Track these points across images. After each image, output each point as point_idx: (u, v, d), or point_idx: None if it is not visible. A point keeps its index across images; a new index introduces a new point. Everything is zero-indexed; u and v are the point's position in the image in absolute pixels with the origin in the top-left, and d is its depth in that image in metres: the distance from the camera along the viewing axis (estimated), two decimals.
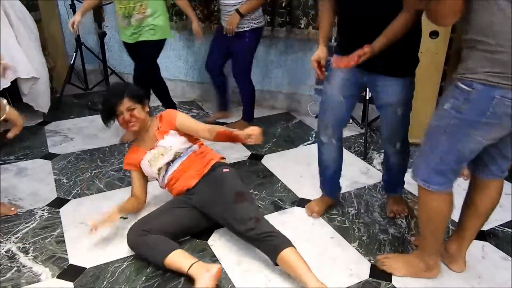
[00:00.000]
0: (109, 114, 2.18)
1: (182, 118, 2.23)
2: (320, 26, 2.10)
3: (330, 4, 2.03)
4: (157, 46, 3.02)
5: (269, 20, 3.41)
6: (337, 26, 2.10)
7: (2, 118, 1.73)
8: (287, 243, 1.86)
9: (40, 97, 3.21)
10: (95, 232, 2.01)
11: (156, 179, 2.29)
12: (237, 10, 2.90)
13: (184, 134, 2.22)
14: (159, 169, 2.21)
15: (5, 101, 1.72)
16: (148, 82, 3.09)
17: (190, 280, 1.85)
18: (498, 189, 1.79)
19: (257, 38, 3.08)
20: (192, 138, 2.26)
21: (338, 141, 2.20)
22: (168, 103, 3.31)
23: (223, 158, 2.33)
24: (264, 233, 1.87)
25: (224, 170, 2.19)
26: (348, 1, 1.91)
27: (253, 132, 1.94)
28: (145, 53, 2.99)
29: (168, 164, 2.21)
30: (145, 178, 2.32)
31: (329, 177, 2.32)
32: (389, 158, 2.25)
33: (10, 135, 1.81)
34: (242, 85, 3.21)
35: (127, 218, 2.32)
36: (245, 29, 2.99)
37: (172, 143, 2.19)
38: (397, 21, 1.77)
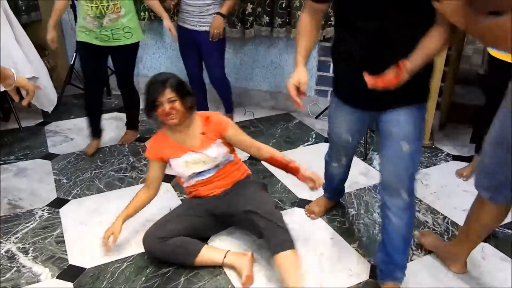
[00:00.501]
0: (151, 105, 1.98)
1: (233, 131, 2.08)
2: (299, 43, 1.76)
3: (318, 18, 1.78)
4: (135, 50, 2.90)
5: (268, 21, 3.41)
6: (339, 38, 1.73)
7: (12, 86, 1.70)
8: (289, 244, 1.85)
9: (41, 96, 3.19)
10: (113, 245, 2.02)
11: (179, 175, 2.18)
12: (219, 13, 2.84)
13: (227, 144, 2.10)
14: (194, 173, 2.10)
15: (13, 70, 1.70)
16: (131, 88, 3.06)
17: (224, 270, 1.85)
18: (507, 212, 1.75)
19: (224, 34, 3.01)
20: (232, 149, 2.15)
21: (348, 162, 2.16)
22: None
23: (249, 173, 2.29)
24: (278, 226, 1.89)
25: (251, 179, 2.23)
26: (364, 10, 1.52)
27: (317, 180, 1.91)
28: (126, 59, 2.90)
29: (204, 170, 2.10)
30: (164, 171, 2.15)
31: (336, 185, 2.30)
32: (389, 220, 1.72)
33: (24, 103, 1.75)
34: (222, 83, 3.19)
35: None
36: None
37: (218, 154, 2.06)
38: (434, 38, 1.44)
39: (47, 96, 3.26)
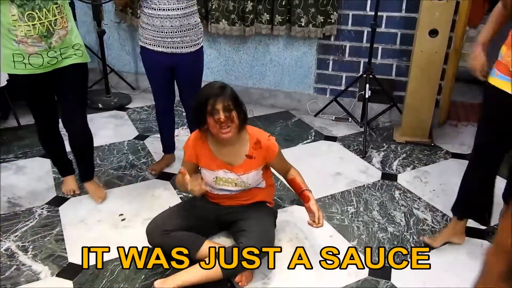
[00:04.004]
0: (201, 111, 1.80)
1: (280, 157, 2.00)
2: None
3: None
4: (86, 71, 2.30)
5: (268, 18, 3.41)
6: None
7: None
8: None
9: None
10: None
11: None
12: None
13: (265, 170, 2.04)
14: (221, 189, 2.02)
15: None
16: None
17: None
18: None
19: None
20: (267, 175, 2.08)
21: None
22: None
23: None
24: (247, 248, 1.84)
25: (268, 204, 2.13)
26: None
27: (319, 218, 1.86)
28: (77, 82, 2.24)
29: (231, 189, 2.03)
30: (196, 171, 2.03)
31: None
32: None
33: None
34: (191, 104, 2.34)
35: (124, 219, 2.32)
36: (199, 45, 2.46)
37: (252, 181, 1.98)
38: None
39: None
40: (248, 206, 2.06)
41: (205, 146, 1.95)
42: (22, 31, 1.98)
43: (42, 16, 2.00)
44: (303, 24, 3.33)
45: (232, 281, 1.89)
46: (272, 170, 2.11)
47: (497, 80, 1.80)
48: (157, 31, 2.31)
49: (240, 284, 1.87)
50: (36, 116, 2.29)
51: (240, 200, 2.06)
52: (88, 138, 2.39)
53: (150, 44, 2.38)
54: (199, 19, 2.44)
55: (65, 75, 2.17)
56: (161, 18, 2.28)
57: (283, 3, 3.32)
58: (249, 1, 3.35)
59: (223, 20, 3.46)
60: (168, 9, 2.27)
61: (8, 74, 2.14)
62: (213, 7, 3.45)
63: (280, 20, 3.37)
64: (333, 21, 3.30)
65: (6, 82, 2.83)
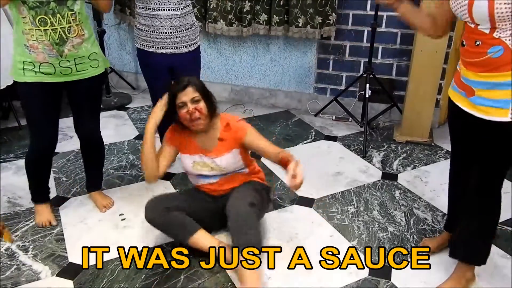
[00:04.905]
0: (172, 107, 1.92)
1: (252, 136, 2.00)
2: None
3: None
4: (103, 81, 2.27)
5: (266, 19, 3.40)
6: None
7: None
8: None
9: None
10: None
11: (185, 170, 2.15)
12: None
13: (243, 153, 2.05)
14: (200, 174, 2.07)
15: None
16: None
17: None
18: None
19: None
20: (248, 160, 2.11)
21: None
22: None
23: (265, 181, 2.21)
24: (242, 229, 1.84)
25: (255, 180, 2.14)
26: None
27: (299, 176, 1.68)
28: (93, 94, 2.16)
29: (210, 175, 2.07)
30: (174, 158, 2.13)
31: None
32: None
33: None
34: None
35: (125, 219, 2.33)
36: (197, 44, 2.49)
37: (228, 164, 2.02)
38: None
39: None
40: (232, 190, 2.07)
41: (182, 134, 2.03)
42: (33, 35, 1.89)
43: (55, 22, 1.89)
44: (300, 25, 3.32)
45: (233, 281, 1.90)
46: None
47: (451, 91, 1.72)
48: (156, 32, 2.31)
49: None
50: (34, 132, 2.10)
51: (225, 187, 2.08)
52: (99, 144, 2.32)
53: (148, 46, 2.37)
54: (195, 18, 2.45)
55: (80, 88, 2.07)
56: (161, 18, 2.27)
57: (281, 3, 3.31)
58: (246, 1, 3.35)
59: (221, 20, 3.45)
60: (168, 9, 2.26)
61: (16, 82, 2.01)
62: (211, 6, 3.45)
63: (278, 20, 3.36)
64: (331, 22, 3.30)
65: (5, 86, 2.83)
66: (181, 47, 2.38)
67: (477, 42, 1.48)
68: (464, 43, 1.56)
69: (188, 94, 1.88)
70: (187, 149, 2.04)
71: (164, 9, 2.26)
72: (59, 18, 1.90)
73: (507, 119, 1.51)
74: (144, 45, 2.38)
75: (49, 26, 1.89)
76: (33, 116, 2.07)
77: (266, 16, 3.39)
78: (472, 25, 1.49)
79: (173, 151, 2.08)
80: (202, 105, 1.90)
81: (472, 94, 1.57)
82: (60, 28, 1.91)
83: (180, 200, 2.09)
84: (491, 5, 1.39)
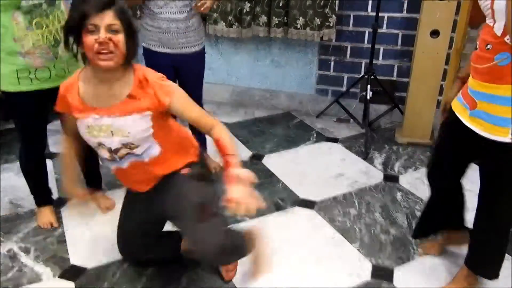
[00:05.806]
0: (77, 27, 1.39)
1: (180, 101, 1.55)
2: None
3: None
4: None
5: (266, 20, 3.39)
6: None
7: None
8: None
9: None
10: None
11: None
12: None
13: (157, 122, 1.54)
14: (100, 144, 1.57)
15: None
16: None
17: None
18: None
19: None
20: (161, 133, 1.57)
21: None
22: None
23: (193, 164, 1.72)
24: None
25: (183, 171, 1.68)
26: None
27: (241, 198, 1.35)
28: None
29: (114, 155, 1.58)
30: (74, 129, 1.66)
31: None
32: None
33: None
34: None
35: None
36: (202, 44, 2.47)
37: (135, 130, 1.51)
38: None
39: None
40: (157, 187, 1.68)
41: (74, 88, 1.55)
42: (29, 40, 1.80)
43: (50, 23, 1.84)
44: (298, 26, 3.31)
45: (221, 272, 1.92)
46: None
47: (455, 102, 1.68)
48: (163, 32, 2.32)
49: (226, 278, 1.88)
50: (28, 139, 2.09)
51: (140, 178, 1.68)
52: (97, 173, 2.31)
53: (154, 46, 2.38)
54: (201, 19, 2.46)
55: None
56: (168, 21, 2.29)
57: (280, 4, 3.30)
58: (246, 2, 3.34)
59: (221, 21, 3.45)
60: (173, 13, 2.28)
61: (7, 92, 1.90)
62: (213, 7, 3.44)
63: (277, 22, 3.35)
64: (331, 24, 3.28)
65: None
66: (187, 47, 2.39)
67: (488, 46, 1.46)
68: (477, 46, 1.55)
69: (105, 19, 1.38)
70: (79, 110, 1.53)
71: (168, 12, 2.28)
72: (51, 19, 1.86)
73: (507, 139, 1.47)
74: (151, 44, 2.40)
75: (45, 28, 1.84)
76: (27, 125, 2.05)
77: (265, 17, 3.38)
78: (491, 23, 1.46)
79: (72, 120, 1.60)
80: (120, 37, 1.41)
81: (474, 107, 1.55)
82: (54, 29, 1.87)
83: (128, 224, 1.84)
84: None
